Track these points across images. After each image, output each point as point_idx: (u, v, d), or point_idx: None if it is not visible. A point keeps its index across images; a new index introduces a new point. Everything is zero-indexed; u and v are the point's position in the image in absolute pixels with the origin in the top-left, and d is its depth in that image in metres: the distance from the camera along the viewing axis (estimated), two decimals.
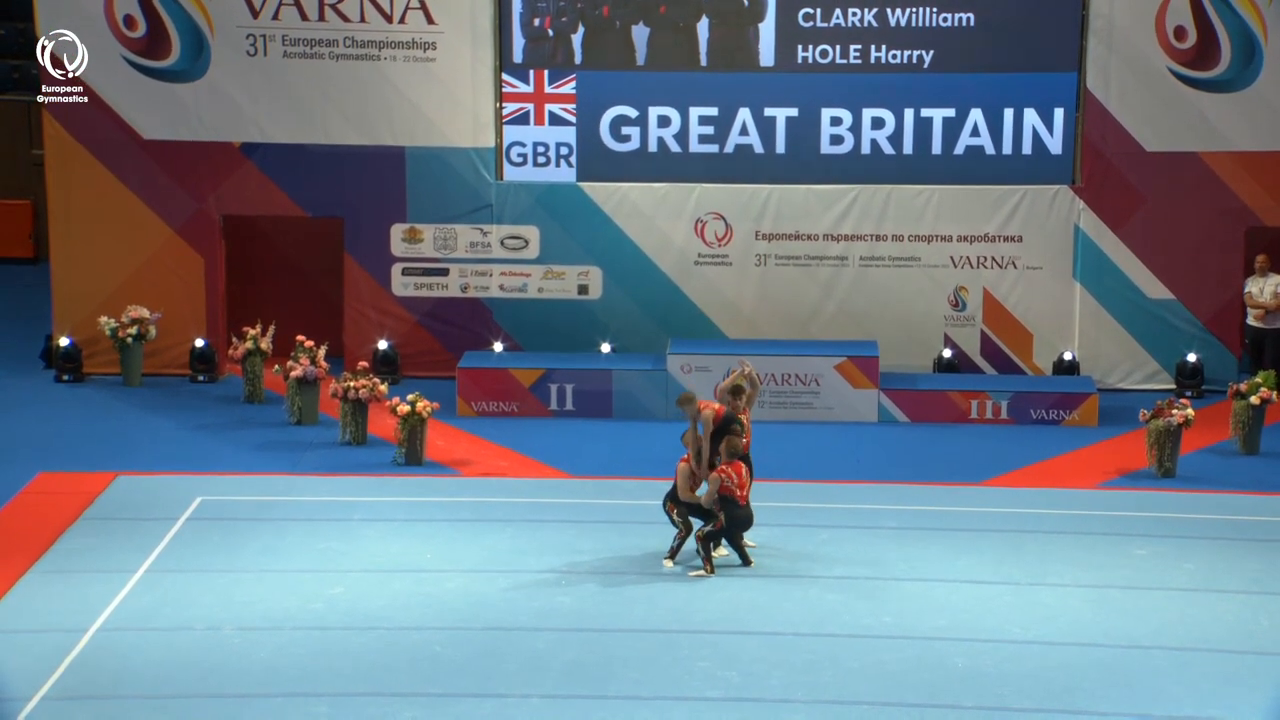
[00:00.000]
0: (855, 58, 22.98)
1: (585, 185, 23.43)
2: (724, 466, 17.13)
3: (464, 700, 14.38)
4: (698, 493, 17.22)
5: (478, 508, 18.91)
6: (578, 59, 23.20)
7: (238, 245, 24.06)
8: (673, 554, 17.35)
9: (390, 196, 23.45)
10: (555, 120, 23.34)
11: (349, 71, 23.11)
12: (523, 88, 23.28)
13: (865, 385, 22.25)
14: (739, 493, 17.06)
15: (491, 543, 17.85)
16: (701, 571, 17.05)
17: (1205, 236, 23.15)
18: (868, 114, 23.14)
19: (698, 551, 17.11)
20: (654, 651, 15.30)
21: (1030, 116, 23.05)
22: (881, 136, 23.21)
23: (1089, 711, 14.28)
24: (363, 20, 22.97)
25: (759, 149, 23.26)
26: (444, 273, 23.65)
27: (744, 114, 23.18)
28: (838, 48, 22.98)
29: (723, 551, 17.31)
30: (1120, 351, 23.40)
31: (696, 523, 17.28)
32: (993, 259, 23.33)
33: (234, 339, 22.80)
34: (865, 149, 23.24)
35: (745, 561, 17.24)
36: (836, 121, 23.20)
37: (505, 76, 23.24)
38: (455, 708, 14.26)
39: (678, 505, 17.33)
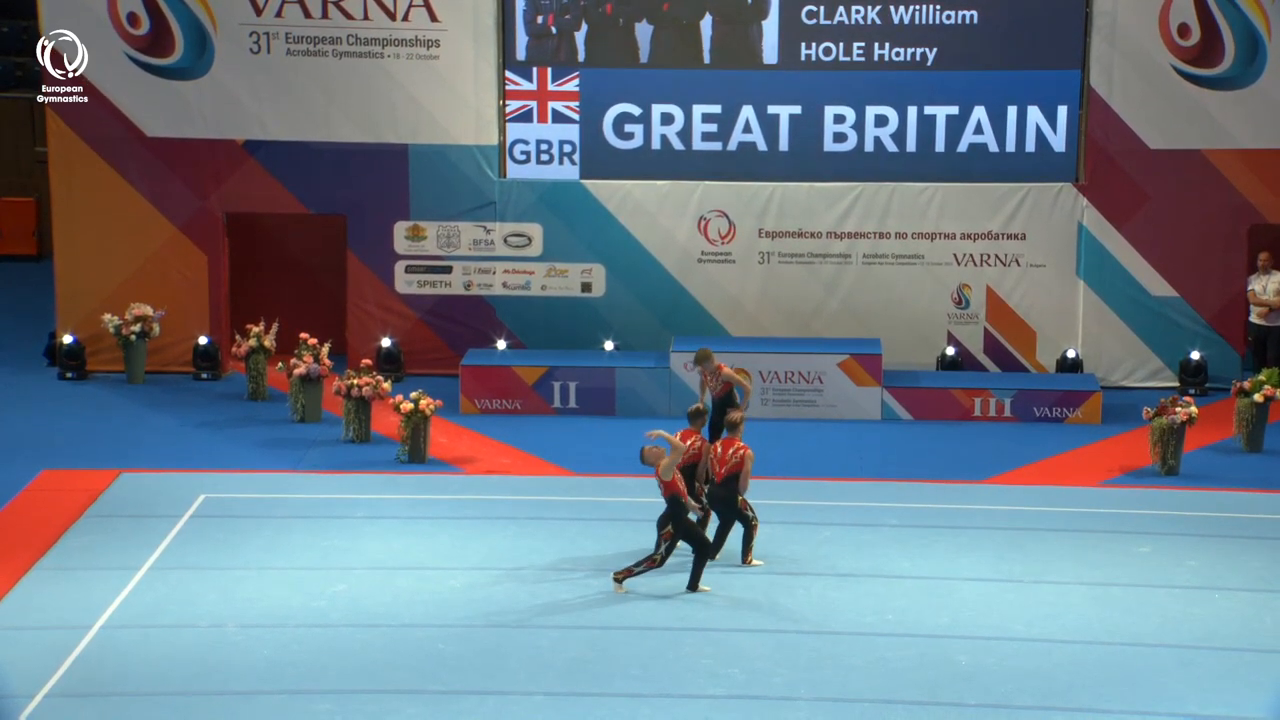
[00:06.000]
0: (859, 55, 22.96)
1: (588, 183, 23.42)
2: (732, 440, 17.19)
3: (466, 697, 14.38)
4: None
5: (480, 505, 18.91)
6: (581, 56, 23.19)
7: (241, 242, 24.06)
8: (629, 574, 16.60)
9: (393, 194, 23.44)
10: (558, 118, 23.33)
11: (352, 69, 23.11)
12: (526, 85, 23.27)
13: (868, 383, 22.24)
14: (719, 469, 16.99)
15: (494, 540, 17.85)
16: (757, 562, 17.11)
17: (1208, 234, 23.13)
18: (871, 111, 23.12)
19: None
20: (657, 649, 15.30)
21: (1034, 114, 23.04)
22: (885, 134, 23.19)
23: (1092, 709, 14.27)
24: (366, 18, 22.98)
25: (762, 146, 23.25)
26: (447, 270, 23.65)
27: (747, 111, 23.17)
28: (841, 45, 22.97)
29: (705, 588, 16.50)
30: (1123, 349, 23.39)
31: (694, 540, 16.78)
32: (996, 256, 23.32)
33: (237, 336, 22.79)
34: (869, 146, 23.22)
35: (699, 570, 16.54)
36: (840, 119, 23.18)
37: (508, 74, 23.24)
38: (458, 705, 14.26)
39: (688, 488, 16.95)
